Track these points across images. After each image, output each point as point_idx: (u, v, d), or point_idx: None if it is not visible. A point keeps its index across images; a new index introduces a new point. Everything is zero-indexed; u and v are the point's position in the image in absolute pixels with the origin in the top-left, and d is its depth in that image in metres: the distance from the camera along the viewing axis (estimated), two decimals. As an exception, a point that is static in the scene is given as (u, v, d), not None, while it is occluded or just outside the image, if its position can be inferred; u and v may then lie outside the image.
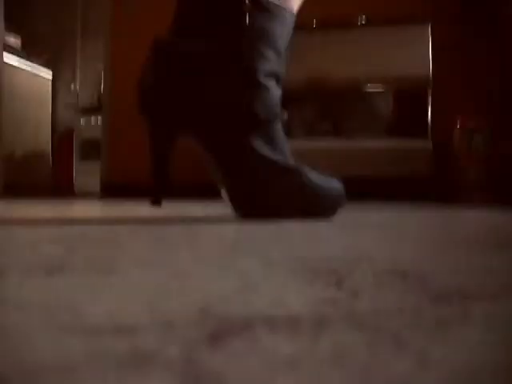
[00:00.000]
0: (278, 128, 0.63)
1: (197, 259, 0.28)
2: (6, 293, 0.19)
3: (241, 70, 0.61)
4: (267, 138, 0.61)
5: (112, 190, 2.18)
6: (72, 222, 0.60)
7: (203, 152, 0.62)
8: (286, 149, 0.62)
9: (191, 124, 0.61)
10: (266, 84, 0.62)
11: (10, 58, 2.97)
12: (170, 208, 0.96)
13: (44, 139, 3.47)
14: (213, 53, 0.61)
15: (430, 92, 1.81)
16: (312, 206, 0.62)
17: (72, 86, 3.67)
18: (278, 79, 0.64)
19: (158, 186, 0.61)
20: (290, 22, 0.64)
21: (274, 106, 0.62)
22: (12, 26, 3.07)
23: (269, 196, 0.60)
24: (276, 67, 0.63)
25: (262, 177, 0.60)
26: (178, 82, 0.60)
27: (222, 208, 0.93)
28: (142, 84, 0.61)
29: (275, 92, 0.63)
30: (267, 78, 0.62)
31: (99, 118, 2.84)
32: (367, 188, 1.79)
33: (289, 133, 0.64)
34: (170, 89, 0.60)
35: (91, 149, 3.23)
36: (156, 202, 0.62)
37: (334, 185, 0.64)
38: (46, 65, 3.47)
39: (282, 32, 0.63)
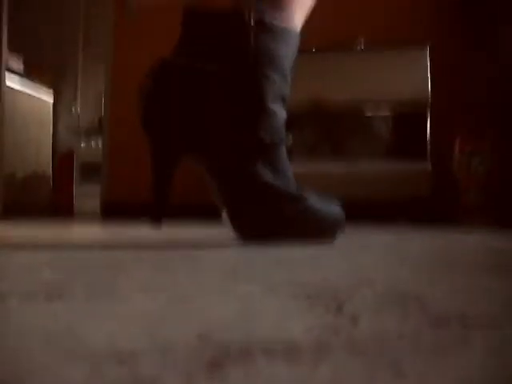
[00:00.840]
0: (283, 151, 0.62)
1: (197, 284, 0.28)
2: (6, 318, 0.19)
3: (246, 93, 0.60)
4: (271, 163, 0.60)
5: (111, 211, 2.18)
6: (71, 246, 0.60)
7: (205, 174, 0.62)
8: (289, 172, 0.62)
9: (193, 148, 0.61)
10: (273, 108, 0.61)
11: (12, 80, 3.00)
12: (170, 230, 0.96)
13: (45, 160, 3.48)
14: (217, 75, 0.60)
15: (428, 114, 1.82)
16: (313, 230, 0.62)
17: (73, 108, 3.69)
18: (283, 101, 0.63)
19: (159, 206, 0.61)
20: (294, 43, 0.63)
21: (280, 129, 0.62)
22: (14, 47, 3.11)
23: (270, 221, 0.60)
24: (282, 89, 0.62)
25: (264, 202, 0.60)
26: (179, 104, 0.60)
27: (222, 231, 0.93)
28: (142, 102, 0.60)
29: (281, 115, 0.62)
30: (273, 102, 0.61)
31: (99, 141, 2.85)
32: (367, 210, 1.79)
33: (289, 155, 0.65)
34: (172, 111, 0.60)
35: (91, 171, 3.25)
36: (156, 222, 0.62)
37: (334, 209, 0.64)
38: (47, 84, 3.50)
39: (287, 53, 0.62)
